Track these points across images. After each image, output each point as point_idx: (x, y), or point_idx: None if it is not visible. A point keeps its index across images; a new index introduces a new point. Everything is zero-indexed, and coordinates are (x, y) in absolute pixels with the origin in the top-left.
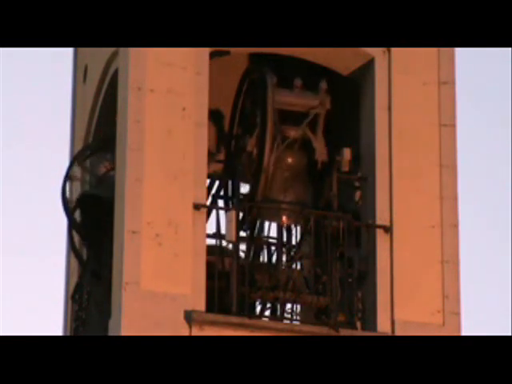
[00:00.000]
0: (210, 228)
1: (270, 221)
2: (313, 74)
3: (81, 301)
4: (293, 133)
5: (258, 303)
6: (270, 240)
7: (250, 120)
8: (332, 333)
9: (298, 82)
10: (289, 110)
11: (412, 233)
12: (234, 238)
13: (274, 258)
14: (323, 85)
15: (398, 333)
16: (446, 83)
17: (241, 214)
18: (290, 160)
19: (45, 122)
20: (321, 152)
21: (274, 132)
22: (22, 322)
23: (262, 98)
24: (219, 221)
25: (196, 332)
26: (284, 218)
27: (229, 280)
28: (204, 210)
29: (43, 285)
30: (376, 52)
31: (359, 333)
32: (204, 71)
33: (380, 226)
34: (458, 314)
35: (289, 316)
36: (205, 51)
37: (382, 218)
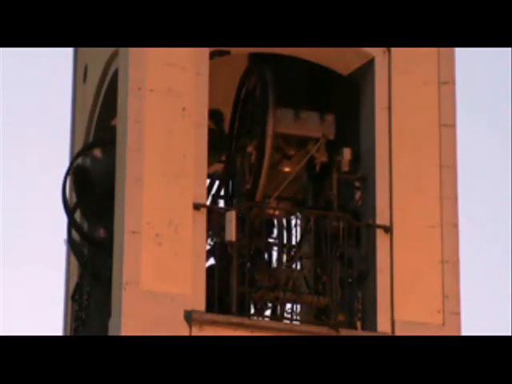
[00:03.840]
0: None
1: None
2: (313, 74)
3: (81, 301)
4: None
5: (257, 303)
6: (270, 240)
7: (250, 120)
8: (332, 333)
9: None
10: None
11: (412, 233)
12: (233, 238)
13: (274, 258)
14: (329, 117)
15: (398, 333)
16: (446, 83)
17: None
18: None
19: (45, 121)
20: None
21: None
22: (22, 321)
23: (262, 98)
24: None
25: (196, 332)
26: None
27: (229, 280)
28: (204, 210)
29: (43, 285)
30: (376, 52)
31: (359, 333)
32: (204, 71)
33: (380, 226)
34: (458, 314)
35: (289, 316)
36: (205, 51)
37: (382, 217)
